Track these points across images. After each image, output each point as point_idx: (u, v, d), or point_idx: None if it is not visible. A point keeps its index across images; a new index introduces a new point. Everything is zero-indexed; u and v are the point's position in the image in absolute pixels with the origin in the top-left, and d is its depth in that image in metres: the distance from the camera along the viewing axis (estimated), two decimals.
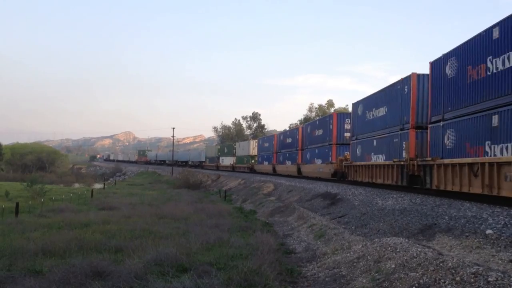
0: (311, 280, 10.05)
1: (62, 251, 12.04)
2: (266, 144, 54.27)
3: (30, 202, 26.57)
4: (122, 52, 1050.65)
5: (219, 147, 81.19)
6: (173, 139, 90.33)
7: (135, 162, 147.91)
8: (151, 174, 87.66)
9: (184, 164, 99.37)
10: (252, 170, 58.71)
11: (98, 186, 53.37)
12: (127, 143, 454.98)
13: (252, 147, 60.15)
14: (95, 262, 10.19)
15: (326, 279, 9.85)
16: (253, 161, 59.38)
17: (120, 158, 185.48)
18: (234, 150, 68.54)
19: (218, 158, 76.28)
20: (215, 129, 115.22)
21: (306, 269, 11.15)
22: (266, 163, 53.39)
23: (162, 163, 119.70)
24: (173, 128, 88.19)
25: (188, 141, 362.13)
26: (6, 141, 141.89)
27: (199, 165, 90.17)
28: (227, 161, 71.14)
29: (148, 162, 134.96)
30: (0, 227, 16.79)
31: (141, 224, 17.28)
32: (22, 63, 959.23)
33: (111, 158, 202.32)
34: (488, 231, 10.12)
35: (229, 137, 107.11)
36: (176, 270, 10.07)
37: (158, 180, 69.08)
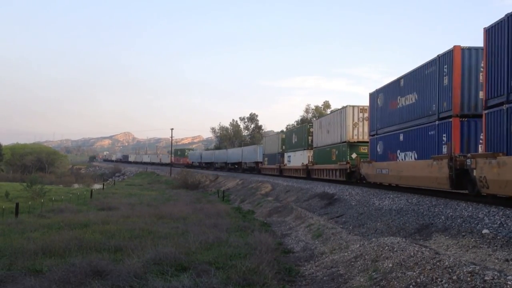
0: (309, 279, 10.12)
1: (62, 251, 12.10)
2: (408, 100, 19.48)
3: (30, 202, 26.65)
4: (121, 53, 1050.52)
5: (283, 136, 47.54)
6: (171, 139, 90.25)
7: (170, 165, 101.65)
8: (149, 175, 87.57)
9: (236, 167, 70.35)
10: (352, 178, 26.65)
11: (97, 186, 53.42)
12: (126, 144, 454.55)
13: (352, 123, 27.73)
14: (95, 261, 10.26)
15: (324, 278, 9.92)
16: (353, 155, 27.06)
17: (147, 159, 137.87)
18: (309, 138, 37.09)
19: (282, 155, 45.43)
20: (213, 130, 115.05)
21: (304, 268, 11.22)
22: (410, 156, 19.06)
23: (208, 166, 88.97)
24: (172, 129, 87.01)
25: (187, 141, 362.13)
26: (6, 141, 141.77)
27: (255, 168, 58.98)
28: (298, 159, 39.67)
29: (190, 165, 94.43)
30: (0, 227, 16.86)
31: (140, 224, 17.35)
32: (22, 64, 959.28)
33: (130, 159, 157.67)
34: (485, 231, 10.20)
35: (227, 137, 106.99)
36: (175, 269, 10.14)
37: (157, 181, 69.06)
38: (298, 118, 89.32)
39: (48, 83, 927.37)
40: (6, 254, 11.84)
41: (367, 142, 25.71)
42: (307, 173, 36.54)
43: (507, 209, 11.99)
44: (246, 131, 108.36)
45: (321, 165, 33.27)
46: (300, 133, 40.29)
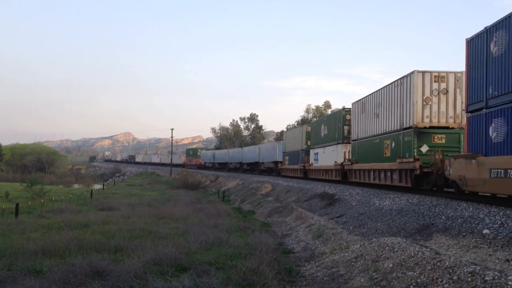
0: (309, 280, 10.13)
1: (62, 251, 12.10)
2: None
3: (30, 202, 26.62)
4: (122, 53, 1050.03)
5: (308, 128, 38.60)
6: (172, 139, 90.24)
7: (182, 166, 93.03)
8: (150, 175, 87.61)
9: (253, 167, 62.25)
10: (425, 183, 18.16)
11: (97, 186, 53.40)
12: (126, 144, 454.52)
13: (422, 99, 18.73)
14: (95, 262, 10.26)
15: (325, 278, 9.92)
16: (423, 148, 18.49)
17: (156, 160, 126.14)
18: (345, 128, 28.52)
19: (307, 153, 37.08)
20: (213, 130, 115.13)
21: (304, 268, 11.22)
22: None
23: (221, 167, 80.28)
24: (172, 129, 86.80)
25: (187, 142, 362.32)
26: (6, 141, 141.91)
27: (274, 169, 50.89)
28: (328, 156, 30.92)
29: (203, 166, 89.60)
30: (0, 227, 16.85)
31: (140, 224, 17.36)
32: (22, 64, 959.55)
33: (137, 159, 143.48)
34: (485, 231, 10.20)
35: (227, 138, 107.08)
36: (176, 269, 10.14)
37: (157, 181, 69.07)
38: (298, 118, 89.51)
39: (48, 83, 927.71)
40: (6, 255, 11.83)
41: (446, 127, 18.58)
42: (342, 175, 27.78)
43: (508, 209, 11.99)
44: (247, 131, 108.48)
45: (365, 164, 24.04)
46: (332, 123, 30.66)
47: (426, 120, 18.65)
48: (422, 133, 18.53)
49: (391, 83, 21.15)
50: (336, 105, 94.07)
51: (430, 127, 18.61)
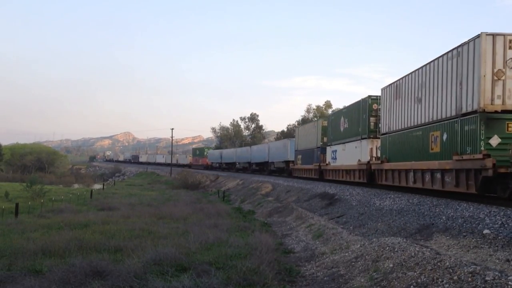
0: (309, 280, 10.12)
1: (62, 251, 12.10)
2: None
3: (29, 202, 26.64)
4: (122, 53, 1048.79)
5: (324, 123, 33.62)
6: (172, 139, 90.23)
7: (188, 166, 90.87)
8: (149, 175, 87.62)
9: (262, 168, 56.83)
10: (501, 190, 13.35)
11: (97, 186, 53.44)
12: (126, 144, 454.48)
13: (492, 72, 13.46)
14: (95, 261, 10.26)
15: (325, 278, 9.91)
16: (493, 140, 13.42)
17: (161, 160, 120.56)
18: (371, 120, 24.03)
19: (323, 151, 32.50)
20: (214, 130, 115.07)
21: (304, 268, 11.21)
22: None
23: (229, 167, 75.14)
24: (172, 129, 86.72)
25: (187, 141, 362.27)
26: (6, 141, 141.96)
27: (285, 169, 46.27)
28: (350, 154, 26.42)
29: (210, 167, 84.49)
30: (0, 227, 16.86)
31: (140, 224, 17.36)
32: (21, 64, 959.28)
33: (141, 159, 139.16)
34: (485, 231, 10.20)
35: (228, 137, 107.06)
36: (176, 269, 10.14)
37: (157, 181, 69.09)
38: (299, 118, 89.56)
39: (48, 83, 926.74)
40: (6, 254, 11.83)
41: None
42: (368, 176, 23.32)
43: (508, 209, 11.98)
44: (247, 131, 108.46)
45: (401, 163, 19.30)
46: (355, 114, 25.94)
47: (498, 102, 13.61)
48: (492, 119, 13.55)
49: (443, 55, 16.23)
50: (337, 104, 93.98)
51: (503, 111, 13.59)
